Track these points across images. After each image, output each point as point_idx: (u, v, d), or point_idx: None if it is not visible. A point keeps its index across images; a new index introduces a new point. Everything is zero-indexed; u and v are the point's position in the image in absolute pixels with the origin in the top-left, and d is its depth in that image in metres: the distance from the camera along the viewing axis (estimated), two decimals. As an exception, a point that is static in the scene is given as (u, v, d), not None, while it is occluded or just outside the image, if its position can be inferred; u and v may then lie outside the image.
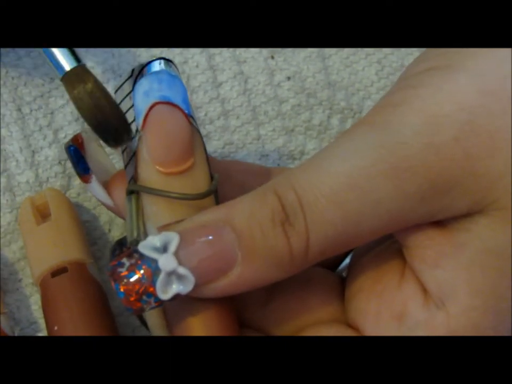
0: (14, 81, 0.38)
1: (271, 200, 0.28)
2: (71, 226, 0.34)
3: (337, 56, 0.40)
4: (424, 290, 0.29)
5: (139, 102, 0.30)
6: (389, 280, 0.30)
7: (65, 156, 0.37)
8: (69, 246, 0.34)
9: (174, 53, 0.39)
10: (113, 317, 0.34)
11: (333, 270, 0.34)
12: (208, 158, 0.30)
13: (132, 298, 0.27)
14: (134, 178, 0.30)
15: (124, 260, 0.27)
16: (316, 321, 0.31)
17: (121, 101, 0.32)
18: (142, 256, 0.27)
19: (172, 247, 0.27)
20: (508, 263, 0.28)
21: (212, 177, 0.30)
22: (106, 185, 0.32)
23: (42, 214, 0.35)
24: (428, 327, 0.28)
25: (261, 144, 0.39)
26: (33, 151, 0.37)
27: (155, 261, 0.27)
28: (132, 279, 0.27)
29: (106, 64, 0.38)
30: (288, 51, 0.39)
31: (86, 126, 0.33)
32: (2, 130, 0.37)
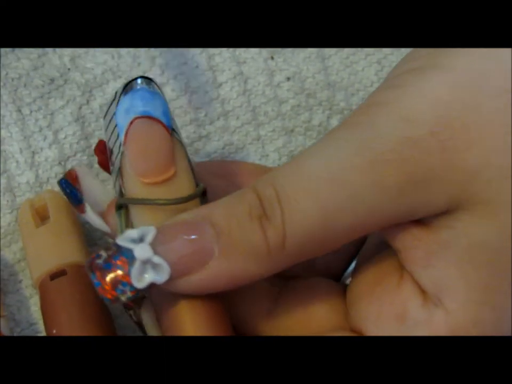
0: (14, 82, 0.38)
1: (249, 196, 0.28)
2: (70, 228, 0.35)
3: (336, 56, 0.40)
4: (423, 291, 0.29)
5: (121, 120, 0.31)
6: (388, 283, 0.30)
7: (65, 156, 0.37)
8: (68, 248, 0.34)
9: (174, 54, 0.39)
10: (112, 320, 0.34)
11: (337, 280, 0.34)
12: (193, 168, 0.31)
13: (107, 287, 0.28)
14: (121, 193, 0.31)
15: (102, 252, 0.28)
16: (320, 330, 0.31)
17: (108, 124, 0.32)
18: (119, 247, 0.28)
19: (148, 238, 0.28)
20: (497, 257, 0.28)
21: (197, 186, 0.31)
22: (103, 214, 0.33)
23: (42, 216, 0.35)
24: (428, 325, 0.28)
25: (260, 145, 0.39)
26: (33, 152, 0.37)
27: (131, 251, 0.28)
28: (108, 269, 0.28)
29: (106, 65, 0.38)
30: (288, 51, 0.39)
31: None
32: (2, 131, 0.37)
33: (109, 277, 0.28)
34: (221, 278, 0.28)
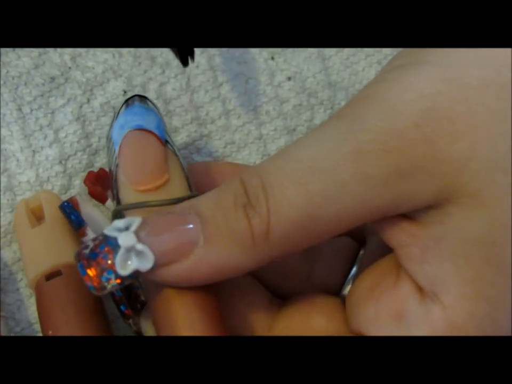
0: (14, 80, 0.38)
1: (235, 185, 0.28)
2: (65, 229, 0.34)
3: (337, 57, 0.40)
4: (420, 288, 0.29)
5: (116, 135, 0.32)
6: (385, 284, 0.30)
7: (66, 155, 0.37)
8: (63, 248, 0.34)
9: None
10: (108, 320, 0.34)
11: (336, 295, 0.34)
12: (187, 177, 0.31)
13: (93, 275, 0.28)
14: (118, 204, 0.31)
15: (89, 243, 0.28)
16: None
17: (109, 144, 0.33)
18: (105, 237, 0.28)
19: (133, 227, 0.28)
20: (490, 249, 0.28)
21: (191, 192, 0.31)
22: None
23: (37, 217, 0.35)
24: (426, 321, 0.28)
25: (262, 144, 0.39)
26: (33, 151, 0.37)
27: (116, 239, 0.28)
28: (94, 258, 0.28)
29: (106, 64, 0.38)
30: (288, 52, 0.39)
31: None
32: (3, 129, 0.37)
33: (94, 265, 0.28)
34: (206, 267, 0.28)
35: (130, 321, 0.32)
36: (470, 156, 0.27)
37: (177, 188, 0.31)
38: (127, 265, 0.28)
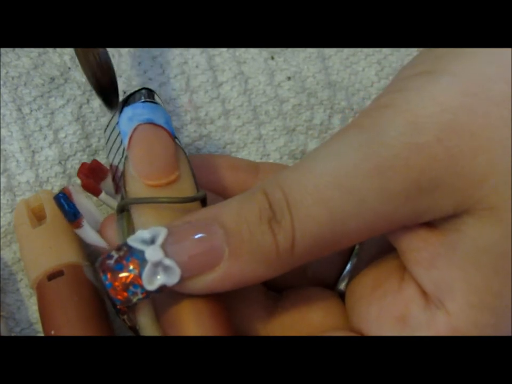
0: (14, 81, 0.38)
1: (259, 198, 0.28)
2: (67, 228, 0.34)
3: (337, 56, 0.40)
4: (425, 293, 0.29)
5: (124, 126, 0.31)
6: (389, 285, 0.30)
7: (65, 156, 0.37)
8: (65, 248, 0.34)
9: (174, 54, 0.39)
10: (110, 320, 0.33)
11: (330, 289, 0.34)
12: (194, 175, 0.31)
13: (119, 289, 0.28)
14: (122, 198, 0.31)
15: (113, 253, 0.28)
16: (317, 334, 0.31)
17: (110, 135, 0.33)
18: (130, 248, 0.28)
19: (159, 240, 0.28)
20: (501, 261, 0.28)
21: (198, 191, 0.31)
22: (98, 231, 0.33)
23: (38, 217, 0.35)
24: (430, 327, 0.28)
25: (262, 144, 0.39)
26: (33, 151, 0.37)
27: (142, 252, 0.28)
28: (119, 270, 0.28)
29: (106, 64, 0.38)
30: (288, 52, 0.39)
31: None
32: (3, 130, 0.37)
33: (120, 279, 0.28)
34: (231, 279, 0.28)
35: (125, 317, 0.32)
36: (490, 170, 0.27)
37: (186, 185, 0.31)
38: (154, 280, 0.28)
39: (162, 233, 0.28)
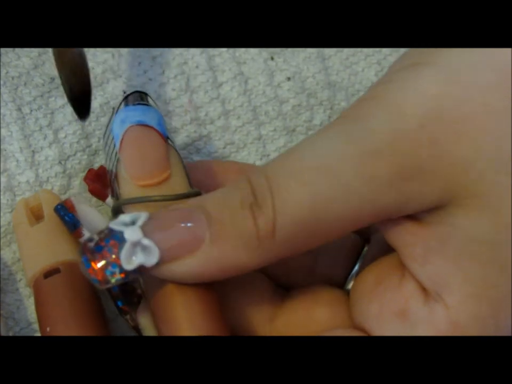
0: (14, 81, 0.38)
1: (242, 185, 0.28)
2: (64, 227, 0.34)
3: (336, 57, 0.40)
4: (424, 288, 0.29)
5: (116, 129, 0.32)
6: (390, 282, 0.30)
7: (65, 156, 0.37)
8: (62, 246, 0.34)
9: (174, 54, 0.39)
10: (106, 318, 0.34)
11: (341, 287, 0.34)
12: (187, 174, 0.31)
13: (97, 269, 0.28)
14: (117, 199, 0.31)
15: (94, 236, 0.28)
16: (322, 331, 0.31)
17: (106, 140, 0.33)
18: (111, 231, 0.28)
19: (139, 221, 0.28)
20: (494, 250, 0.28)
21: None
22: None
23: (36, 216, 0.35)
24: (429, 321, 0.29)
25: (261, 144, 0.39)
26: (33, 151, 0.37)
27: (122, 233, 0.28)
28: (98, 251, 0.28)
29: (106, 64, 0.38)
30: (288, 52, 0.39)
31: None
32: (2, 130, 0.37)
33: (99, 259, 0.28)
34: (211, 265, 0.28)
35: (128, 316, 0.32)
36: (475, 156, 0.27)
37: (178, 184, 0.31)
38: (132, 260, 0.28)
39: (143, 216, 0.28)
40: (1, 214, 0.36)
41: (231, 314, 0.31)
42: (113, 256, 0.28)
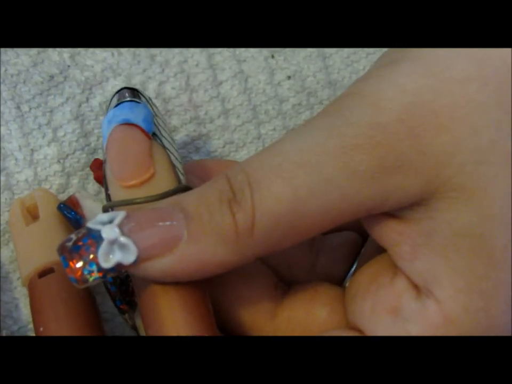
0: (13, 79, 0.38)
1: (221, 182, 0.28)
2: (59, 226, 0.34)
3: (337, 55, 0.40)
4: (416, 285, 0.29)
5: (104, 130, 0.31)
6: (382, 280, 0.30)
7: (64, 154, 0.37)
8: (56, 246, 0.34)
9: (174, 52, 0.39)
10: (100, 317, 0.33)
11: (339, 285, 0.34)
12: (175, 171, 0.31)
13: (75, 267, 0.28)
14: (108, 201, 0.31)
15: (72, 235, 0.28)
16: (321, 331, 0.31)
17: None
18: (88, 230, 0.28)
19: (117, 220, 0.28)
20: (479, 242, 0.28)
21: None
22: None
23: (32, 215, 0.35)
24: (422, 317, 0.29)
25: (261, 143, 0.39)
26: (32, 150, 0.37)
27: (99, 232, 0.28)
28: (76, 250, 0.28)
29: (105, 62, 0.38)
30: (288, 50, 0.39)
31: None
32: (1, 128, 0.37)
33: (77, 258, 0.28)
34: (189, 262, 0.28)
35: (126, 315, 0.32)
36: (455, 149, 0.27)
37: (164, 182, 0.31)
38: (109, 258, 0.28)
39: (120, 215, 0.28)
40: (0, 213, 0.36)
41: (234, 311, 0.32)
42: (91, 255, 0.28)
